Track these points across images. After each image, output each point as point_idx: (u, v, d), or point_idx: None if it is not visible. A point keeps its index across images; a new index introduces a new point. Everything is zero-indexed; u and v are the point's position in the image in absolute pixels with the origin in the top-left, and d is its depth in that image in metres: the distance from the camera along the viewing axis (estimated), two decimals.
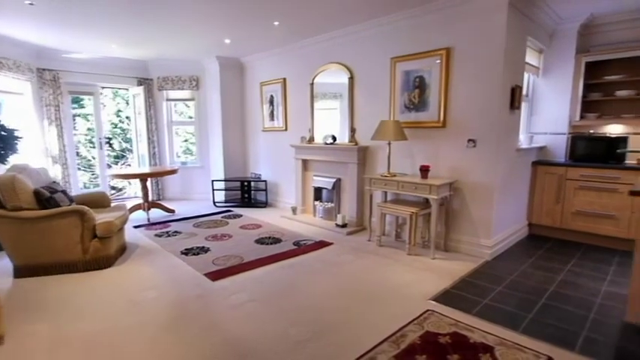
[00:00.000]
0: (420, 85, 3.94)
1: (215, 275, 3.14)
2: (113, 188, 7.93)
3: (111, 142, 8.85)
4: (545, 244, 4.02)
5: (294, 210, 5.36)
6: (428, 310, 2.47)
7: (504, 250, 3.82)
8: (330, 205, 5.01)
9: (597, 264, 3.42)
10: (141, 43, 5.24)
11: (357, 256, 3.66)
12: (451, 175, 3.79)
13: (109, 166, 8.01)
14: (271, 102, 6.01)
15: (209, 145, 6.82)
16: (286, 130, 5.79)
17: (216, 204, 6.24)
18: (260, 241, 4.14)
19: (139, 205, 5.45)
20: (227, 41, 5.19)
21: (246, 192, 6.31)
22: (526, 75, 4.06)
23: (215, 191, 6.28)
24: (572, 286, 2.94)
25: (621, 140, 3.99)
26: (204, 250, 3.85)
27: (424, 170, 3.73)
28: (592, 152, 4.13)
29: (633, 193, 2.20)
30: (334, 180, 4.89)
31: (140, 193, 5.54)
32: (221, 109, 6.38)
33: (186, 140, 8.48)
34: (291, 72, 5.54)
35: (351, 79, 4.63)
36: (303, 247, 3.91)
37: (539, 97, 4.56)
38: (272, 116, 6.04)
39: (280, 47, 5.51)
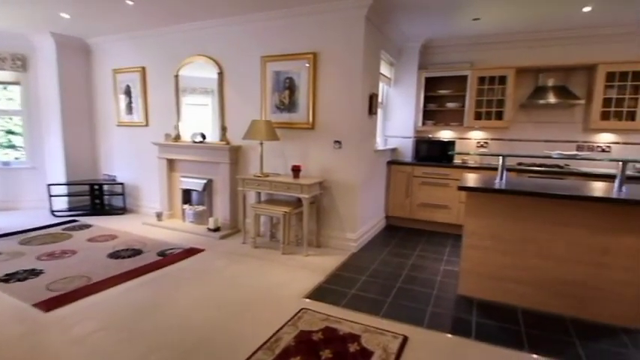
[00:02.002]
0: (290, 86, 4.00)
1: (50, 304, 2.53)
2: None
3: None
4: (399, 233, 4.61)
5: (159, 215, 4.82)
6: (302, 309, 2.52)
7: (367, 241, 4.22)
8: (201, 208, 4.67)
9: (437, 247, 4.09)
10: None
11: (231, 260, 3.51)
12: (321, 174, 3.97)
13: None
14: (128, 93, 5.26)
15: (44, 141, 5.55)
16: (147, 125, 5.15)
17: (56, 213, 5.14)
18: (115, 255, 3.56)
19: None
20: (65, 16, 4.29)
21: (97, 197, 5.37)
22: (381, 84, 4.56)
23: (53, 198, 5.15)
24: (419, 268, 3.43)
25: (450, 143, 4.86)
26: (34, 273, 3.09)
27: (296, 170, 3.81)
28: (431, 153, 4.91)
29: (460, 188, 2.68)
30: (205, 181, 4.58)
31: None
32: (60, 98, 5.26)
33: (11, 133, 6.58)
34: (152, 60, 4.95)
35: (221, 74, 4.40)
36: (169, 257, 3.52)
37: (391, 104, 5.19)
38: (129, 109, 5.29)
39: (138, 31, 4.86)
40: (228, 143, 4.42)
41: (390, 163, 4.94)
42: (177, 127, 4.79)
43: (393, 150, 5.18)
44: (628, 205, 2.34)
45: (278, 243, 3.97)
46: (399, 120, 5.16)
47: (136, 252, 3.66)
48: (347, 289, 2.91)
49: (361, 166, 3.88)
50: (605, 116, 4.15)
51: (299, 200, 3.78)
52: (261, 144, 3.94)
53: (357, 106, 3.71)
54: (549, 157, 2.98)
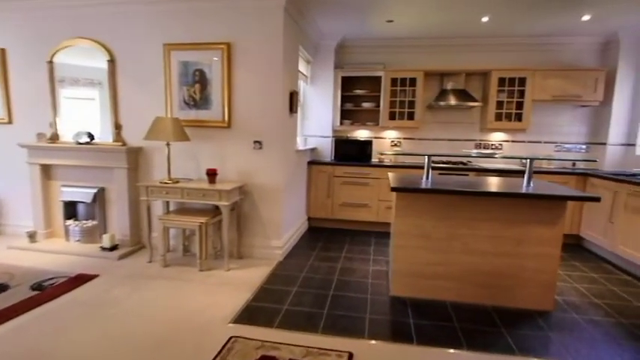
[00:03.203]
0: (200, 79, 3.54)
1: None
2: None
3: None
4: (323, 235, 4.50)
5: (31, 236, 3.84)
6: (232, 338, 2.16)
7: (292, 247, 3.99)
8: (90, 223, 3.87)
9: (362, 247, 4.08)
10: None
11: (136, 285, 2.93)
12: (240, 178, 3.61)
13: None
14: None
15: None
16: (10, 122, 4.07)
17: None
18: None
19: None
20: None
21: None
22: (299, 82, 4.37)
23: None
24: (349, 271, 3.34)
25: (368, 143, 4.93)
26: None
27: (211, 174, 3.39)
28: (350, 153, 4.91)
29: (393, 189, 2.64)
30: (95, 190, 3.80)
31: None
32: None
33: None
34: (15, 42, 3.91)
35: (112, 62, 3.68)
36: (49, 290, 2.78)
37: (308, 103, 5.05)
38: None
39: None
40: (124, 144, 3.74)
41: (311, 163, 4.80)
42: (53, 125, 3.88)
43: (313, 150, 5.05)
44: (535, 199, 2.56)
45: (193, 258, 3.49)
46: (317, 119, 5.05)
47: (0, 287, 2.82)
48: (279, 305, 2.64)
49: (284, 167, 3.63)
50: (498, 117, 4.64)
51: (216, 208, 3.36)
52: (168, 145, 3.40)
53: (278, 103, 3.45)
54: (469, 156, 3.14)
